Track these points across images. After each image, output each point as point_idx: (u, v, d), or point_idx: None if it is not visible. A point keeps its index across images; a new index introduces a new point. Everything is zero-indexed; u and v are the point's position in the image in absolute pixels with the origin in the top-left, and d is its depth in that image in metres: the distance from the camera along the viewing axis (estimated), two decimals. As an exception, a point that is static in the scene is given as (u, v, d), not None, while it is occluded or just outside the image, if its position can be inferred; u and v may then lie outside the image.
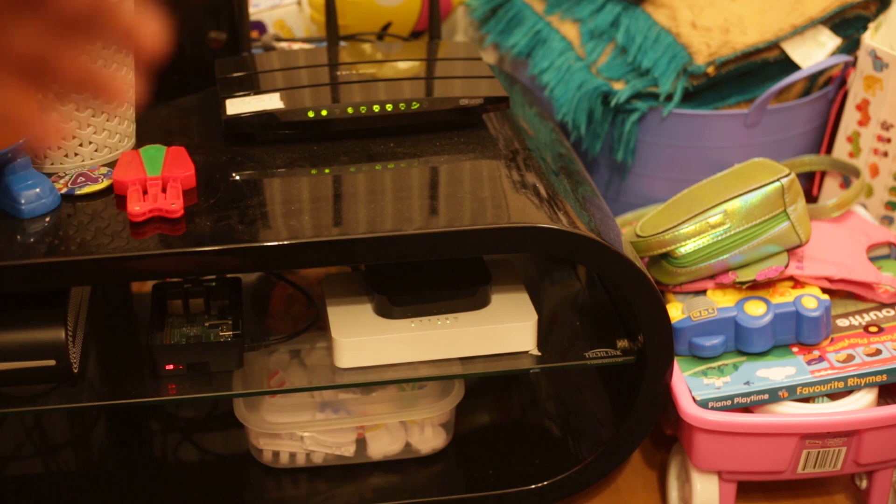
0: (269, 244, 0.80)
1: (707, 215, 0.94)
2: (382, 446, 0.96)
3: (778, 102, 1.15)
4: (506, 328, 0.89)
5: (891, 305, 0.97)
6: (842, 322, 0.95)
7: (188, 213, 0.82)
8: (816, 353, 0.92)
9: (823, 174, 1.19)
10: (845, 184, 1.17)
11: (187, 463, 1.01)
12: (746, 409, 0.91)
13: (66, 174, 0.87)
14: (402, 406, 0.95)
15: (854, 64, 1.15)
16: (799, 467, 0.91)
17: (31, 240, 0.80)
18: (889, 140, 1.12)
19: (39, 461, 1.01)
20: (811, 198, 1.21)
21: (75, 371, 0.86)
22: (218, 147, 0.93)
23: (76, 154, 0.89)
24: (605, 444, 0.93)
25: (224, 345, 0.88)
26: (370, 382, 0.89)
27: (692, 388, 0.90)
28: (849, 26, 1.15)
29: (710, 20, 1.12)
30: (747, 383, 0.90)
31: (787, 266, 0.93)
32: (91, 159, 0.89)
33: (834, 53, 1.13)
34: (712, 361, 0.93)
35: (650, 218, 0.97)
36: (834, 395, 0.91)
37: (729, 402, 0.90)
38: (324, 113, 0.92)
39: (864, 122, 1.13)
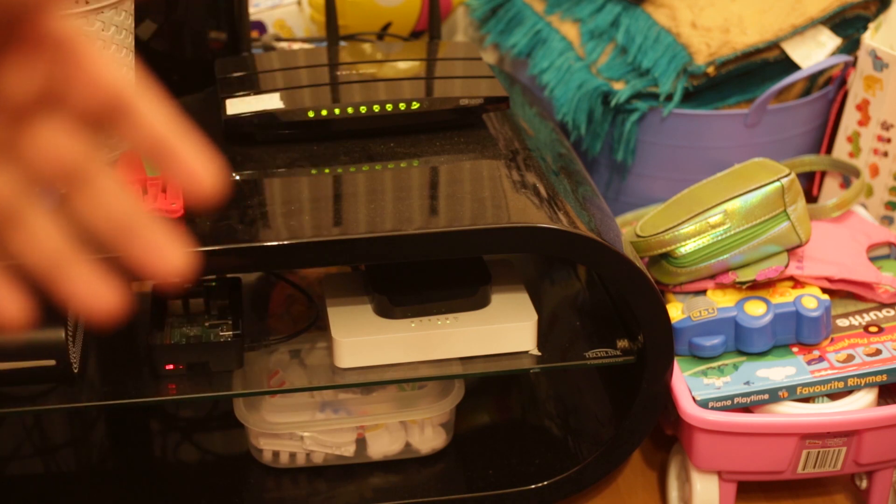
0: (269, 244, 0.80)
1: (707, 215, 0.94)
2: (382, 446, 0.96)
3: (778, 102, 1.15)
4: (506, 328, 0.89)
5: (891, 305, 0.97)
6: (842, 322, 0.95)
7: (188, 213, 0.82)
8: (816, 353, 0.92)
9: (823, 174, 1.19)
10: (845, 184, 1.17)
11: (187, 463, 1.01)
12: (746, 409, 0.91)
13: (66, 174, 0.87)
14: (402, 406, 0.95)
15: (854, 64, 1.15)
16: (799, 467, 0.91)
17: (31, 240, 0.80)
18: (889, 140, 1.12)
19: (39, 461, 1.01)
20: (811, 198, 1.21)
21: (75, 371, 0.86)
22: (218, 147, 0.93)
23: (76, 154, 0.88)
24: (605, 444, 0.93)
25: (224, 345, 0.88)
26: (370, 382, 0.89)
27: (692, 388, 0.90)
28: (849, 26, 1.15)
29: (710, 20, 1.12)
30: (747, 383, 0.90)
31: (787, 266, 0.93)
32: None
33: (834, 53, 1.13)
34: (712, 361, 0.93)
35: (650, 218, 0.97)
36: (834, 395, 0.91)
37: (729, 402, 0.90)
38: (324, 113, 0.92)
39: (864, 122, 1.13)
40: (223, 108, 0.93)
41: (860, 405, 0.90)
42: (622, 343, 0.92)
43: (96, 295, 0.38)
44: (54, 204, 0.38)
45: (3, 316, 0.37)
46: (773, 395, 0.90)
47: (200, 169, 0.39)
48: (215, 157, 0.39)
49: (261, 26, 1.25)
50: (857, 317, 0.96)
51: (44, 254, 0.38)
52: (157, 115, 0.39)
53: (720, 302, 0.93)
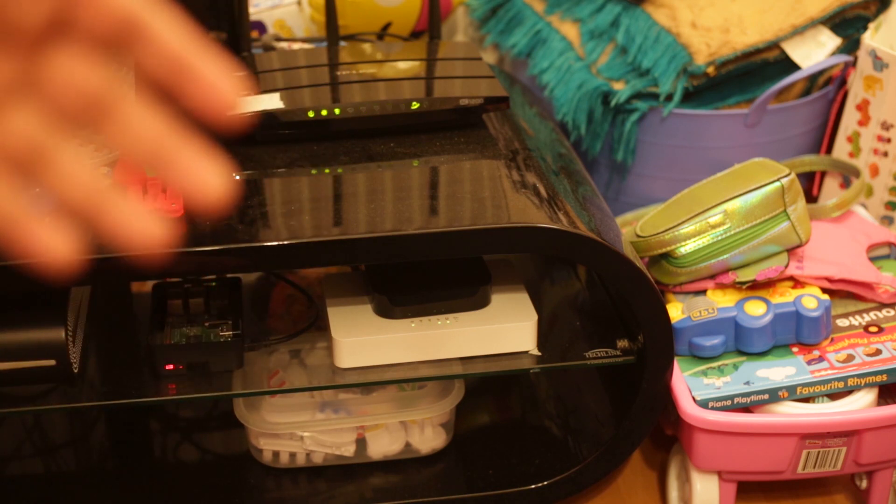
0: (269, 244, 0.80)
1: (707, 215, 0.94)
2: (382, 446, 0.96)
3: (778, 102, 1.15)
4: (506, 328, 0.89)
5: (891, 305, 0.97)
6: (842, 322, 0.95)
7: (188, 213, 0.82)
8: (816, 353, 0.92)
9: (823, 174, 1.19)
10: (845, 184, 1.17)
11: (187, 463, 1.01)
12: (746, 409, 0.91)
13: (66, 174, 0.87)
14: (402, 406, 0.95)
15: (854, 64, 1.15)
16: (799, 467, 0.91)
17: (31, 240, 0.80)
18: (889, 140, 1.12)
19: (39, 461, 1.01)
20: (811, 198, 1.21)
21: (75, 371, 0.86)
22: (218, 147, 0.93)
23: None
24: (605, 444, 0.93)
25: (224, 345, 0.88)
26: (370, 382, 0.89)
27: (692, 388, 0.90)
28: (849, 26, 1.15)
29: (710, 20, 1.12)
30: (747, 383, 0.90)
31: (787, 266, 0.93)
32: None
33: (834, 53, 1.13)
34: (712, 361, 0.93)
35: (650, 218, 0.97)
36: (834, 395, 0.91)
37: (729, 402, 0.90)
38: (324, 113, 0.92)
39: (864, 122, 1.13)
40: (223, 108, 0.93)
41: (860, 405, 0.90)
42: (622, 343, 0.92)
43: (136, 225, 0.38)
44: (49, 207, 0.38)
45: (52, 254, 0.37)
46: (773, 395, 0.90)
47: (221, 83, 0.37)
48: (232, 70, 0.38)
49: (261, 26, 1.25)
50: (857, 317, 0.96)
51: (78, 189, 0.37)
52: (172, 34, 0.37)
53: (720, 302, 0.93)
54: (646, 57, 1.13)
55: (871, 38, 1.13)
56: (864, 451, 0.90)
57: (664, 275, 0.96)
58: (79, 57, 0.37)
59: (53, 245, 0.37)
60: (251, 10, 1.18)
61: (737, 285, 0.94)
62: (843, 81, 1.18)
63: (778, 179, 0.93)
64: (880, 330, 0.94)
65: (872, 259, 1.03)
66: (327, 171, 0.90)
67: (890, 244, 1.05)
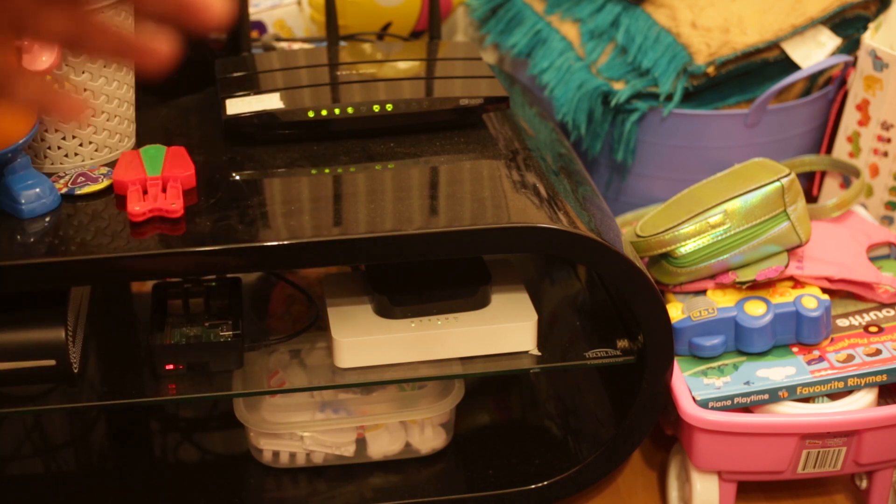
0: (269, 244, 0.80)
1: (707, 215, 0.94)
2: (382, 446, 0.96)
3: (778, 102, 1.15)
4: (506, 328, 0.89)
5: (891, 305, 0.97)
6: (842, 322, 0.95)
7: (188, 213, 0.82)
8: (816, 353, 0.92)
9: (823, 174, 1.19)
10: (845, 184, 1.17)
11: (187, 463, 1.01)
12: (746, 409, 0.91)
13: (66, 174, 0.87)
14: (402, 406, 0.95)
15: (854, 64, 1.15)
16: (799, 467, 0.91)
17: (31, 240, 0.80)
18: (889, 140, 1.12)
19: (39, 461, 1.01)
20: (811, 198, 1.21)
21: (75, 371, 0.86)
22: (218, 147, 0.93)
23: (76, 154, 0.89)
24: (605, 444, 0.93)
25: (224, 345, 0.88)
26: (370, 382, 0.89)
27: (692, 388, 0.90)
28: (849, 26, 1.15)
29: (710, 20, 1.12)
30: (747, 383, 0.90)
31: (787, 266, 0.93)
32: (91, 159, 0.89)
33: (834, 53, 1.13)
34: (712, 361, 0.93)
35: (650, 218, 0.97)
36: (834, 395, 0.91)
37: (729, 402, 0.90)
38: (324, 113, 0.92)
39: (864, 122, 1.13)
40: (223, 108, 0.93)
41: (860, 405, 0.90)
42: (622, 343, 0.92)
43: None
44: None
45: (158, 54, 0.45)
46: (773, 395, 0.90)
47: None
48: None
49: (261, 26, 1.25)
50: (857, 317, 0.96)
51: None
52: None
53: (720, 302, 0.93)
54: (646, 57, 1.13)
55: (871, 38, 1.13)
56: (864, 451, 0.90)
57: (664, 275, 0.96)
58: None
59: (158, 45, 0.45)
60: (251, 10, 1.18)
61: (737, 285, 0.94)
62: (843, 81, 1.18)
63: (778, 179, 0.93)
64: (880, 330, 0.94)
65: (872, 259, 1.03)
66: (327, 171, 0.90)
67: (890, 244, 1.05)
